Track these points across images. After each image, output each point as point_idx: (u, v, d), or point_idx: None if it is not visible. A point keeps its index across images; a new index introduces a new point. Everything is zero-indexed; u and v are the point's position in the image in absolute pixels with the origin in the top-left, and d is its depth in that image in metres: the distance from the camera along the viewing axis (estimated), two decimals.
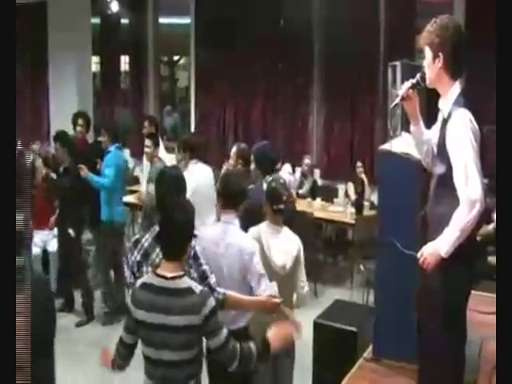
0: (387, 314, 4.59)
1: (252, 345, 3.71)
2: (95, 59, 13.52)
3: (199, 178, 7.35)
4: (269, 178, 6.00)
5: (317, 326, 5.97)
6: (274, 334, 3.76)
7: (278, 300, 4.40)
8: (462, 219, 3.50)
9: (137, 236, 4.53)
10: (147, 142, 8.33)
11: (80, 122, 9.26)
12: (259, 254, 4.78)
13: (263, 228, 5.20)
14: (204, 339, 3.68)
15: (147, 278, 3.73)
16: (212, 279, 4.27)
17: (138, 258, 4.31)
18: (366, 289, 8.40)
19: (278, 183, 5.56)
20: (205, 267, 4.30)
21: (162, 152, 9.01)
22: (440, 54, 3.67)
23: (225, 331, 3.61)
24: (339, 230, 10.56)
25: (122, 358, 3.83)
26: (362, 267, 8.90)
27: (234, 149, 7.50)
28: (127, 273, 4.39)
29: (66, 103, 9.90)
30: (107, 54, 14.31)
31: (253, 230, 5.19)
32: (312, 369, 6.01)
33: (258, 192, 5.81)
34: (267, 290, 4.54)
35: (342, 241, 10.56)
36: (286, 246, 5.17)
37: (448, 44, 3.65)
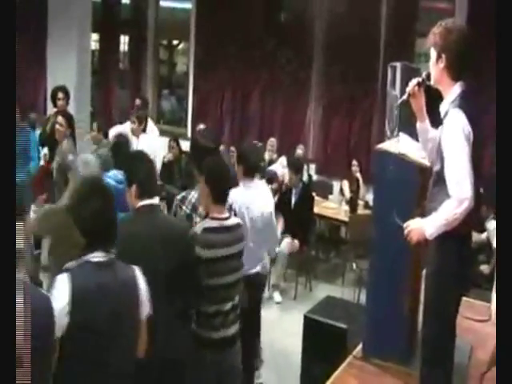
0: (378, 314, 4.62)
1: None
2: (95, 37, 13.42)
3: None
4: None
5: (307, 320, 5.97)
6: None
7: None
8: (449, 211, 3.59)
9: (182, 194, 5.04)
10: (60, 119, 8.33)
11: (60, 95, 9.18)
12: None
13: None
14: None
15: (205, 223, 4.45)
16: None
17: (188, 211, 4.87)
18: (358, 288, 8.45)
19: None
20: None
21: (155, 133, 9.22)
22: (443, 55, 3.78)
23: None
24: (332, 227, 10.57)
25: None
26: (354, 266, 8.94)
27: None
28: None
29: (63, 79, 9.81)
30: (107, 32, 14.24)
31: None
32: (301, 362, 6.01)
33: None
34: None
35: (335, 238, 10.59)
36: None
37: (451, 46, 3.76)
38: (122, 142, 7.45)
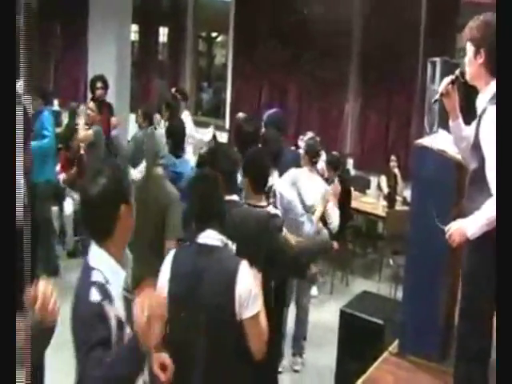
0: (415, 310, 4.60)
1: None
2: (134, 28, 13.57)
3: None
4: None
5: (343, 315, 5.97)
6: None
7: None
8: (491, 209, 3.46)
9: None
10: (91, 105, 8.55)
11: (99, 84, 9.37)
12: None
13: (301, 173, 6.50)
14: None
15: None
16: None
17: None
18: (394, 284, 8.41)
19: (315, 141, 7.28)
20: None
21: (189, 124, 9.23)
22: (481, 51, 3.64)
23: None
24: (370, 222, 10.51)
25: None
26: (391, 261, 8.91)
27: None
28: None
29: (104, 69, 9.90)
30: (146, 23, 14.37)
31: (292, 171, 6.51)
32: (336, 356, 6.01)
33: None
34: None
35: (373, 233, 10.54)
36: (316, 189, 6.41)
37: (490, 40, 3.58)
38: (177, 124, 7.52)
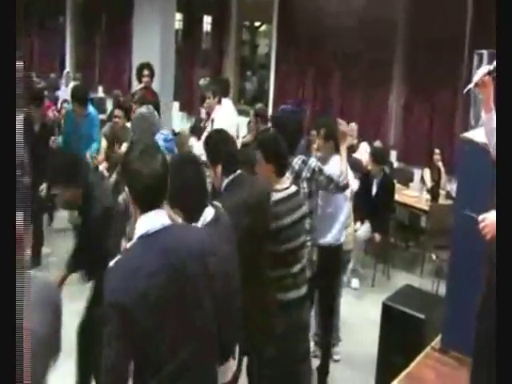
0: (458, 306, 4.55)
1: None
2: (178, 16, 13.67)
3: None
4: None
5: (385, 308, 5.90)
6: None
7: None
8: None
9: (302, 157, 5.48)
10: (117, 112, 8.52)
11: (145, 72, 9.41)
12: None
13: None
14: None
15: (272, 196, 4.63)
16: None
17: (308, 175, 5.41)
18: (436, 278, 8.32)
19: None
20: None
21: (232, 114, 9.22)
22: None
23: None
24: (412, 216, 10.38)
25: None
26: (434, 256, 8.83)
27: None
28: None
29: (148, 57, 9.94)
30: (191, 12, 14.47)
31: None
32: (377, 350, 5.96)
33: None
34: None
35: (415, 227, 10.40)
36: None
37: None
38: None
